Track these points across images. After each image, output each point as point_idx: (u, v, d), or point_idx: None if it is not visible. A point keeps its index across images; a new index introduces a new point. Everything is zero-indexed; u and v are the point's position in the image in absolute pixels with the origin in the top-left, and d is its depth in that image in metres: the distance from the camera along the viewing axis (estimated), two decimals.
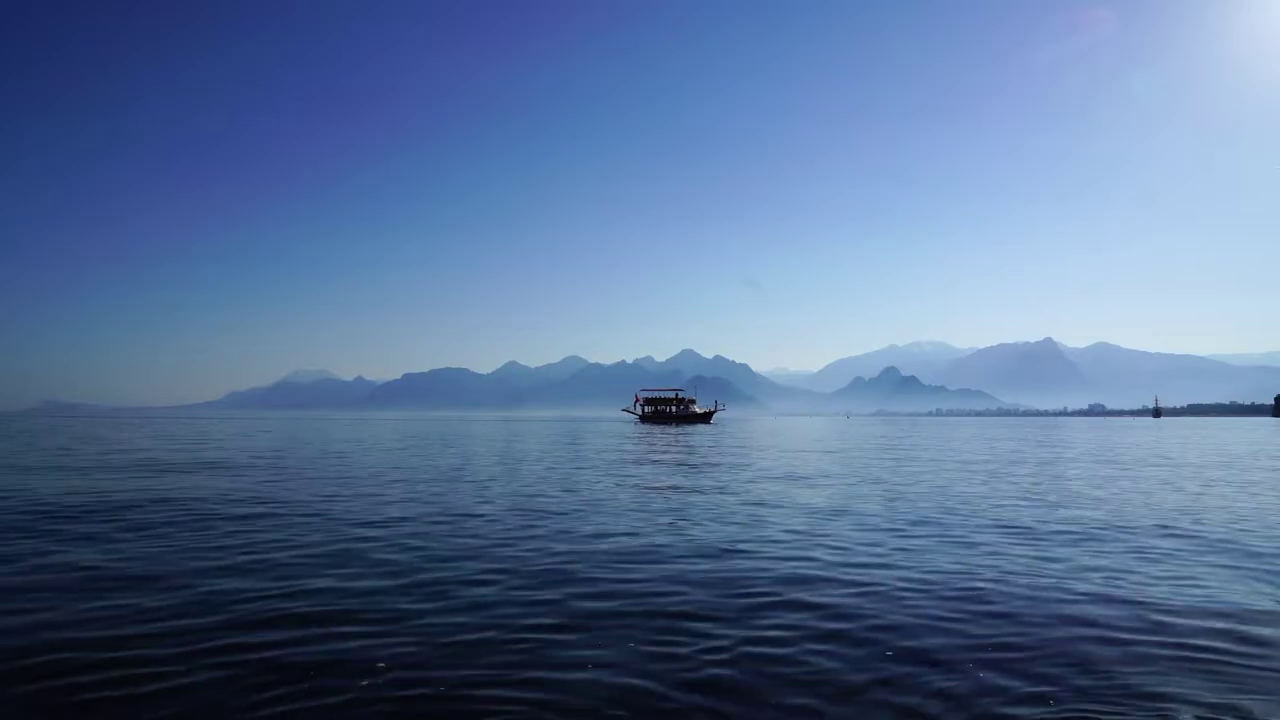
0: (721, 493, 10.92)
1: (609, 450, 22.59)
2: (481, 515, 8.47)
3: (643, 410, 74.36)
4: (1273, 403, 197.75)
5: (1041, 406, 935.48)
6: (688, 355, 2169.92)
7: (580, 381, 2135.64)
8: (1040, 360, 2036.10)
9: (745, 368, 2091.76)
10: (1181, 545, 6.74)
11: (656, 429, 49.50)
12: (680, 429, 49.89)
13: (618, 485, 11.97)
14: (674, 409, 72.81)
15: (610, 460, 18.18)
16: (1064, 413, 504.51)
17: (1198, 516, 8.67)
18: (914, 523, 8.01)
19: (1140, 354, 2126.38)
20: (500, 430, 45.85)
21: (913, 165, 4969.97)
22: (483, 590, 4.98)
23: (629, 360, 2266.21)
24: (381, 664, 3.58)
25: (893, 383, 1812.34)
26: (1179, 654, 3.76)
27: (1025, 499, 10.37)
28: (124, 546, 6.47)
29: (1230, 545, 6.79)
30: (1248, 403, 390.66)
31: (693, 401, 73.60)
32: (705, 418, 73.35)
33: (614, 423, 75.86)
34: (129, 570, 5.52)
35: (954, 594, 4.84)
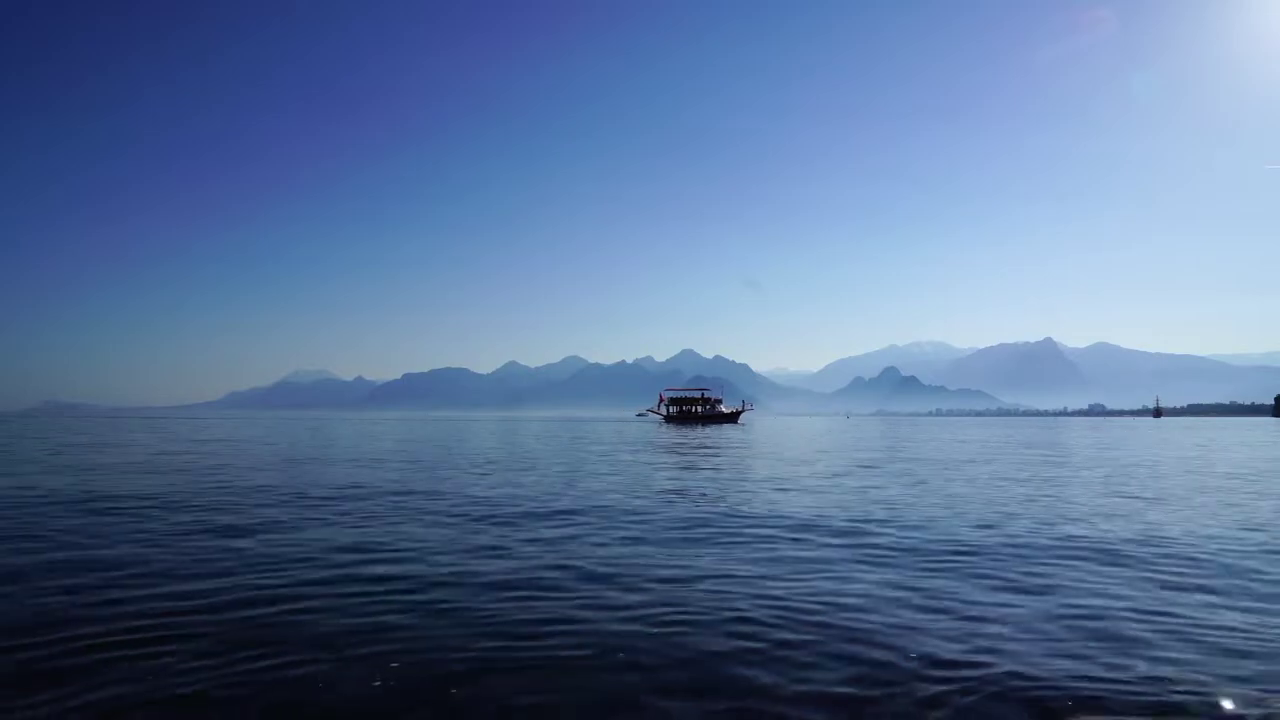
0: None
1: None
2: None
3: (668, 410, 72.12)
4: (1273, 403, 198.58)
5: (1041, 406, 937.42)
6: (688, 355, 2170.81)
7: (580, 381, 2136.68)
8: (1040, 360, 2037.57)
9: (745, 368, 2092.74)
10: None
11: (685, 430, 47.33)
12: (708, 429, 47.72)
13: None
14: (700, 409, 70.64)
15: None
16: (1064, 413, 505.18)
17: None
18: None
19: (1140, 354, 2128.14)
20: (529, 432, 43.89)
21: (913, 165, 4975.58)
22: None
23: (629, 360, 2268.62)
24: None
25: (893, 383, 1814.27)
26: None
27: None
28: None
29: None
30: (1248, 403, 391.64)
31: (719, 401, 71.41)
32: (733, 418, 71.05)
33: (620, 423, 74.99)
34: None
35: None
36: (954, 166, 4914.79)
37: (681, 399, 72.64)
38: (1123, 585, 4.85)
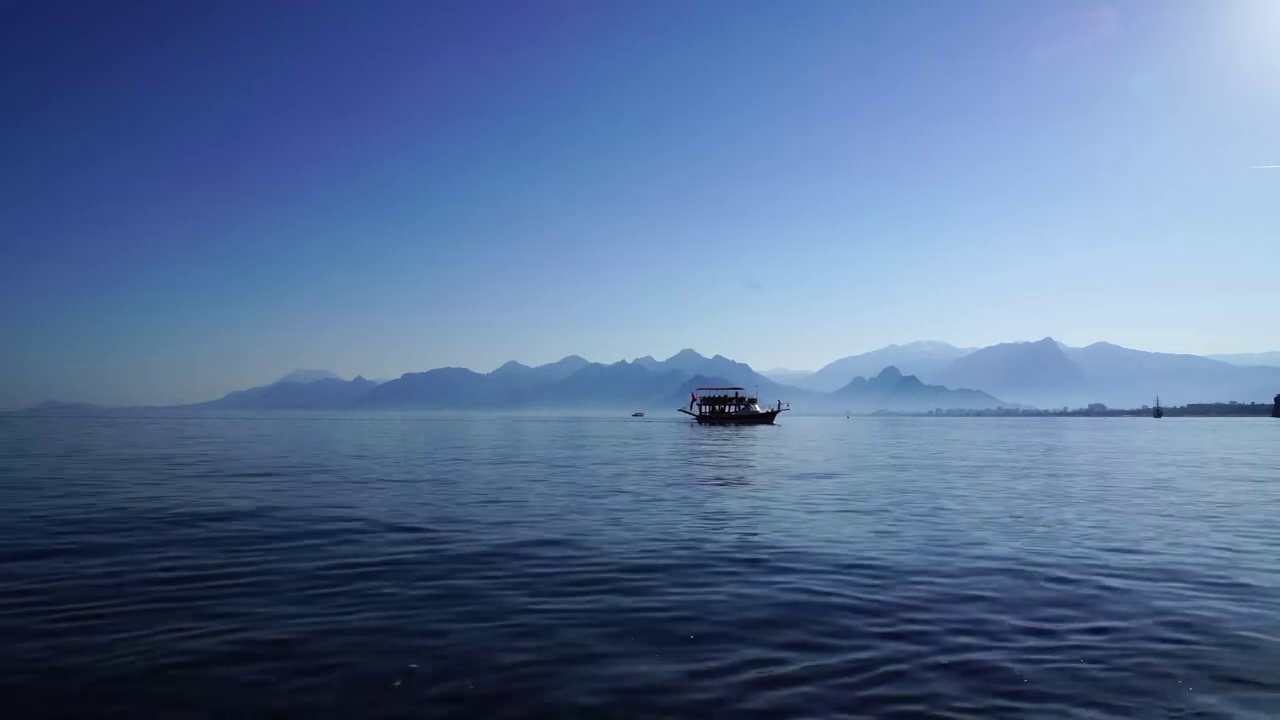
0: None
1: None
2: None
3: (700, 410, 70.81)
4: (1273, 403, 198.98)
5: (1041, 406, 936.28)
6: (688, 355, 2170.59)
7: (580, 381, 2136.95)
8: (1040, 360, 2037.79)
9: (745, 367, 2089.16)
10: None
11: (718, 430, 46.27)
12: (741, 430, 46.43)
13: None
14: (733, 409, 68.98)
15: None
16: (1064, 413, 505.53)
17: None
18: None
19: (1140, 354, 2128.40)
20: (549, 432, 43.36)
21: (913, 165, 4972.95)
22: None
23: (629, 360, 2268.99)
24: None
25: (893, 383, 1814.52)
26: None
27: None
28: None
29: None
30: (1248, 403, 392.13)
31: (753, 401, 69.40)
32: (768, 418, 68.71)
33: (622, 424, 75.05)
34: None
35: None
36: (954, 166, 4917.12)
37: (715, 398, 70.87)
38: None
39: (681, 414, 78.65)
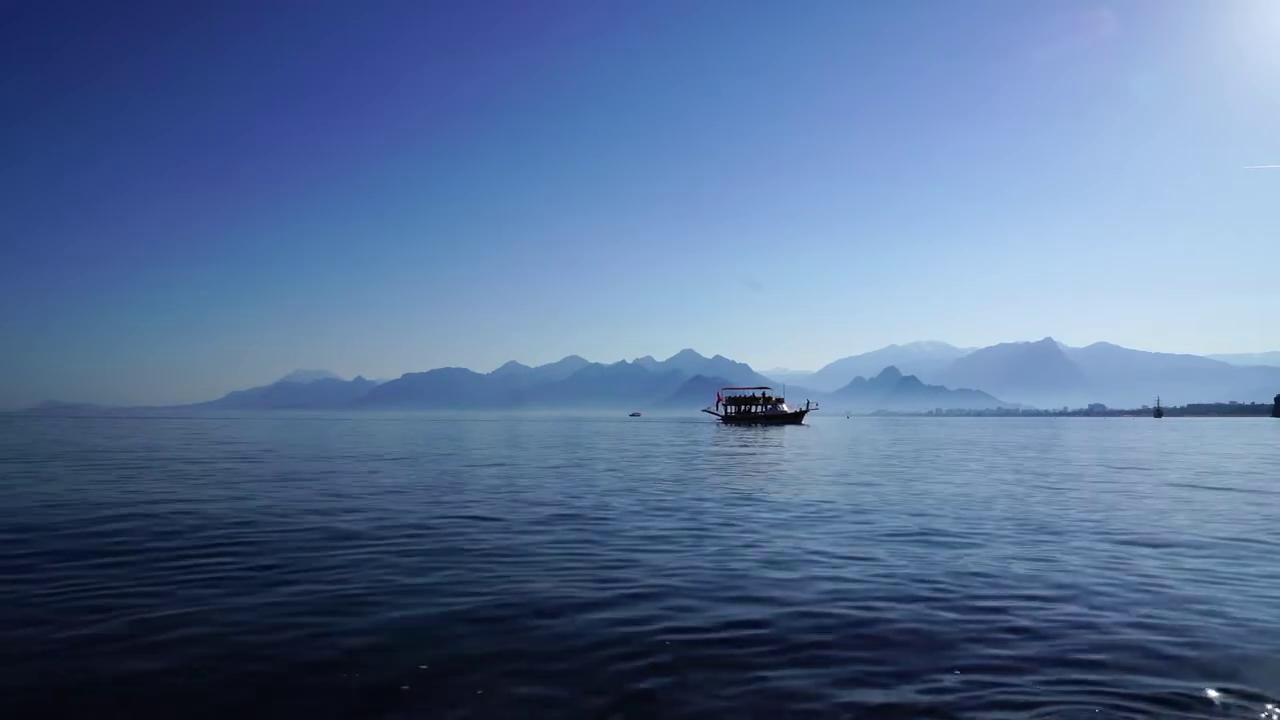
0: None
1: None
2: None
3: (726, 410, 69.83)
4: (1273, 403, 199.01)
5: (1041, 406, 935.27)
6: (688, 355, 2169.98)
7: (580, 381, 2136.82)
8: (1040, 360, 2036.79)
9: (745, 367, 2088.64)
10: None
11: (746, 430, 45.03)
12: (769, 430, 45.16)
13: None
14: (760, 409, 67.77)
15: None
16: (1064, 413, 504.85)
17: None
18: None
19: (1140, 354, 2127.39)
20: (565, 432, 41.96)
21: (913, 165, 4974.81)
22: None
23: (629, 360, 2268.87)
24: None
25: (893, 383, 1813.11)
26: None
27: None
28: None
29: None
30: (1248, 403, 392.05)
31: (780, 400, 68.20)
32: (796, 418, 66.89)
33: (622, 424, 74.80)
34: None
35: None
36: (954, 166, 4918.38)
37: (740, 398, 69.94)
38: None
39: (706, 414, 77.83)
